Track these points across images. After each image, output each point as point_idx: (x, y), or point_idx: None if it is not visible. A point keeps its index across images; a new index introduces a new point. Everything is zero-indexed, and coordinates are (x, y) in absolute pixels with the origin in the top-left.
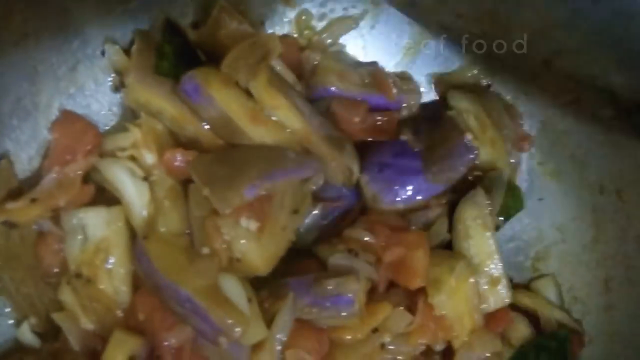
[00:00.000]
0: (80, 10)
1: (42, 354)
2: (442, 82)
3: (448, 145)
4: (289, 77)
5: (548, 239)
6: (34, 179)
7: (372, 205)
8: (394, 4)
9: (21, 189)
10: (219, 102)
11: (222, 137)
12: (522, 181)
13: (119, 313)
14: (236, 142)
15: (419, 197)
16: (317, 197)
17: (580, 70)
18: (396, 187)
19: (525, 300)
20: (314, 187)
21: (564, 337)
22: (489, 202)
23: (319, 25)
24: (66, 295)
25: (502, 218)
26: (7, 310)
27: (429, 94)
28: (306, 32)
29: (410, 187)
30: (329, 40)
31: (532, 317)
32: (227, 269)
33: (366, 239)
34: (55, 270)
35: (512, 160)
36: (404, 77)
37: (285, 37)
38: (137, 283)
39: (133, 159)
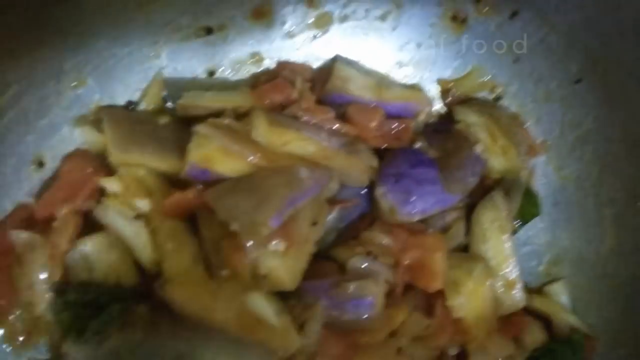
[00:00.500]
0: None
1: None
2: (451, 90)
3: (460, 156)
4: None
5: (562, 244)
6: None
7: (387, 218)
8: None
9: None
10: None
11: None
12: (538, 186)
13: None
14: None
15: (436, 208)
16: (333, 201)
17: None
18: (414, 198)
19: (538, 304)
20: (329, 194)
21: (577, 342)
22: (507, 205)
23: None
24: None
25: (518, 222)
26: None
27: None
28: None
29: (427, 198)
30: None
31: (545, 321)
32: (252, 286)
33: (384, 241)
34: None
35: (527, 166)
36: (414, 87)
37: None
38: None
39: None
